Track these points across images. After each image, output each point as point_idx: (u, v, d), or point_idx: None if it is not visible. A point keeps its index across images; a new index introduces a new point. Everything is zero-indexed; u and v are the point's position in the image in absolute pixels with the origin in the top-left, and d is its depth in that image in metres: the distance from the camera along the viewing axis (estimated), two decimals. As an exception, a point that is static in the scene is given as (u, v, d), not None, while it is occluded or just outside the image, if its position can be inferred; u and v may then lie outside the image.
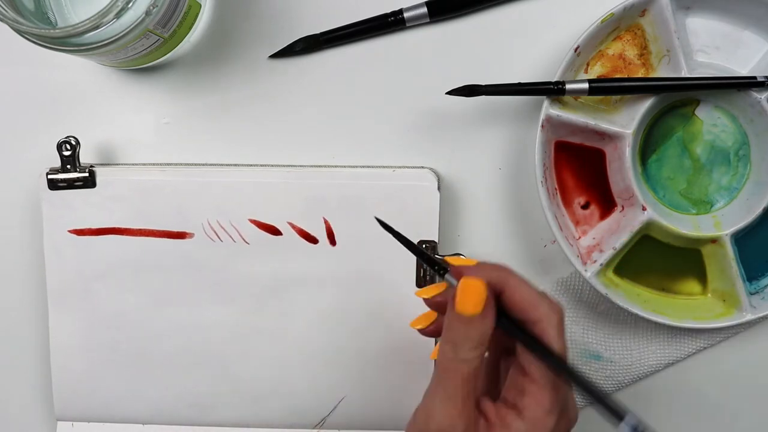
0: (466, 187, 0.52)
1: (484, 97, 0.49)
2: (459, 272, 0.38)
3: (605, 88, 0.48)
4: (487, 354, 0.39)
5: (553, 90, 0.48)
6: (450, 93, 0.48)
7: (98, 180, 0.49)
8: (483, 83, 0.48)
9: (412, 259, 0.50)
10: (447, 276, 0.39)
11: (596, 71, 0.50)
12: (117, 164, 0.51)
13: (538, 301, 0.37)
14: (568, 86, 0.48)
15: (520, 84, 0.48)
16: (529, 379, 0.36)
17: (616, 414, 0.35)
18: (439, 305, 0.40)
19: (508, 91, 0.48)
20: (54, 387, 0.51)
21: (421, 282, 0.50)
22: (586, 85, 0.48)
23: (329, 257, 0.50)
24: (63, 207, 0.50)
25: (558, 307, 0.37)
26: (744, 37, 0.49)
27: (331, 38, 0.50)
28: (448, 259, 0.40)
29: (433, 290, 0.40)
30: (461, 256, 0.50)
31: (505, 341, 0.40)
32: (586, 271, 0.49)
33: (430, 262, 0.39)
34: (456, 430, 0.36)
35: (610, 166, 0.50)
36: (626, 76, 0.49)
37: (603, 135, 0.49)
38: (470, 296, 0.37)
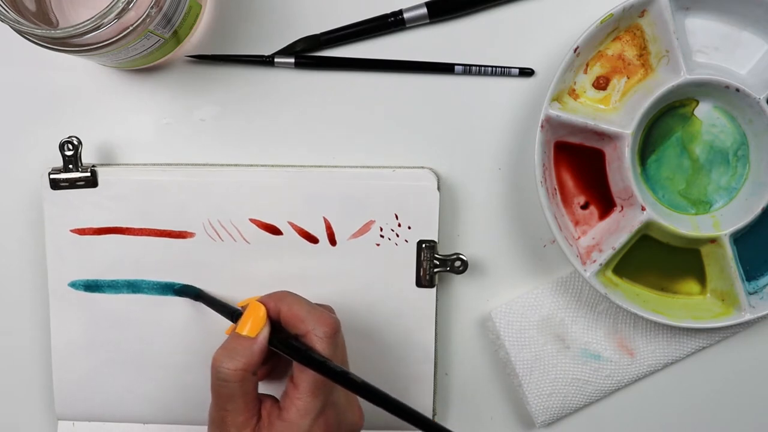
0: (466, 187, 0.52)
1: (484, 96, 0.50)
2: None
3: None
4: None
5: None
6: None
7: (100, 180, 0.50)
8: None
9: (412, 259, 0.50)
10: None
11: (596, 71, 0.50)
12: (118, 164, 0.51)
13: (305, 316, 0.42)
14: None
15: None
16: (293, 385, 0.42)
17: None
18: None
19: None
20: (55, 386, 0.51)
21: (421, 282, 0.50)
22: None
23: (329, 257, 0.50)
24: (65, 207, 0.50)
25: (329, 320, 0.42)
26: (743, 38, 0.50)
27: (331, 38, 0.51)
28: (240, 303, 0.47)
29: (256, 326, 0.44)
30: (461, 256, 0.50)
31: None
32: (585, 270, 0.49)
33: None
34: (230, 427, 0.42)
35: (609, 167, 0.50)
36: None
37: (602, 135, 0.49)
38: (252, 319, 0.43)
